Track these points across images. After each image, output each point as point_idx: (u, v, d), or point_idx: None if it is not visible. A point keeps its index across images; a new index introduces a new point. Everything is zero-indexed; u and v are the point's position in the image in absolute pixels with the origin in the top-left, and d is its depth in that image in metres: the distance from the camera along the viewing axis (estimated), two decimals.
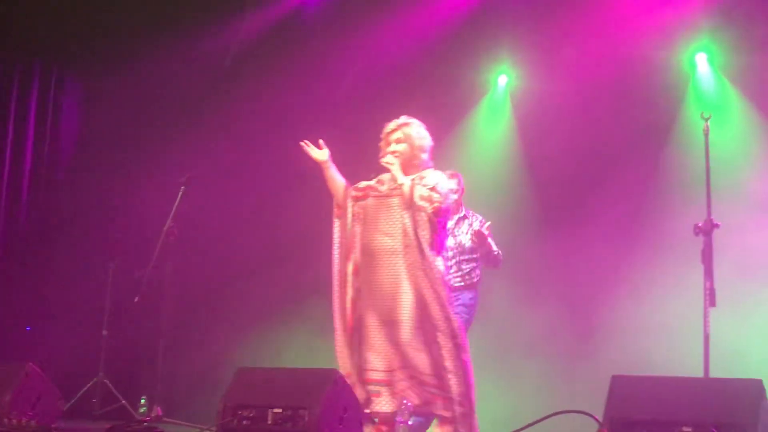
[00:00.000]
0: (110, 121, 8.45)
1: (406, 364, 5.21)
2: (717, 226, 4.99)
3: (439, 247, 5.33)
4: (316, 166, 5.52)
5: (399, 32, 7.95)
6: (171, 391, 7.19)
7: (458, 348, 5.15)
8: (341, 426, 4.43)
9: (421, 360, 5.18)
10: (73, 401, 7.04)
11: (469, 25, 7.88)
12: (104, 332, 7.43)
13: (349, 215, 5.50)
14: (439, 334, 5.14)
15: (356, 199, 5.51)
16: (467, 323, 6.22)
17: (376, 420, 5.18)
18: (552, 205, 7.79)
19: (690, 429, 3.88)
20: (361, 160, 5.79)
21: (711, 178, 5.16)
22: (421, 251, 5.21)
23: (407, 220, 5.26)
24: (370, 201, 5.47)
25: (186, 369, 7.79)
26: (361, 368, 5.26)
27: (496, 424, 5.93)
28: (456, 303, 6.15)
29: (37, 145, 8.23)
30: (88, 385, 7.27)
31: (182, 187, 6.67)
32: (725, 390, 4.06)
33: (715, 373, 4.84)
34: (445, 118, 8.22)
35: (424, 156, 5.48)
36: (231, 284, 8.22)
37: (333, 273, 5.46)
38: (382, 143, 5.51)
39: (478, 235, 6.14)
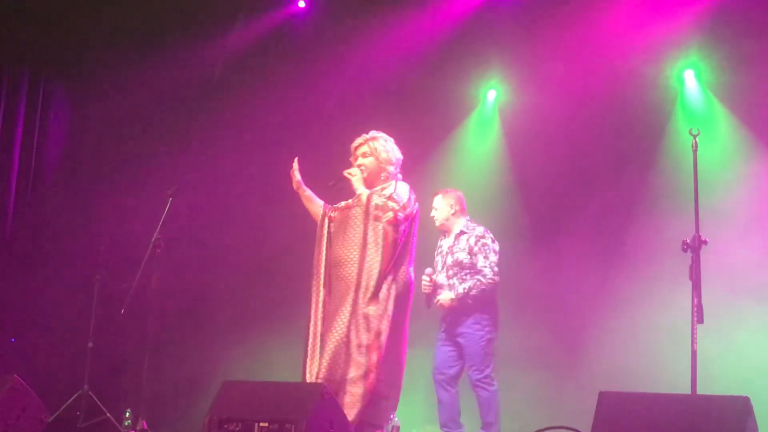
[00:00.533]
0: (98, 132, 8.43)
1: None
2: (705, 242, 4.99)
3: (398, 257, 5.38)
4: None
5: (388, 45, 7.96)
6: (156, 404, 7.16)
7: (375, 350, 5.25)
8: None
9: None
10: (57, 414, 6.97)
11: (459, 40, 7.90)
12: (90, 344, 7.36)
13: (325, 235, 5.57)
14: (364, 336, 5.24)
15: (331, 219, 5.60)
16: (488, 341, 6.21)
17: None
18: (540, 219, 7.81)
19: None
20: None
21: (699, 195, 5.17)
22: (378, 262, 5.28)
23: (364, 231, 5.35)
24: (338, 216, 5.56)
25: (171, 382, 7.75)
26: (314, 377, 5.29)
27: None
28: (469, 323, 6.19)
29: (23, 156, 8.18)
30: (73, 397, 7.20)
31: (170, 199, 6.64)
32: (712, 407, 4.05)
33: (702, 389, 4.83)
34: (434, 133, 8.26)
35: (391, 169, 5.60)
36: (217, 297, 8.20)
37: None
38: (351, 158, 5.64)
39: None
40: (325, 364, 5.24)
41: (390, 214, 5.37)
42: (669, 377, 6.24)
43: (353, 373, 5.21)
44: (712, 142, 7.18)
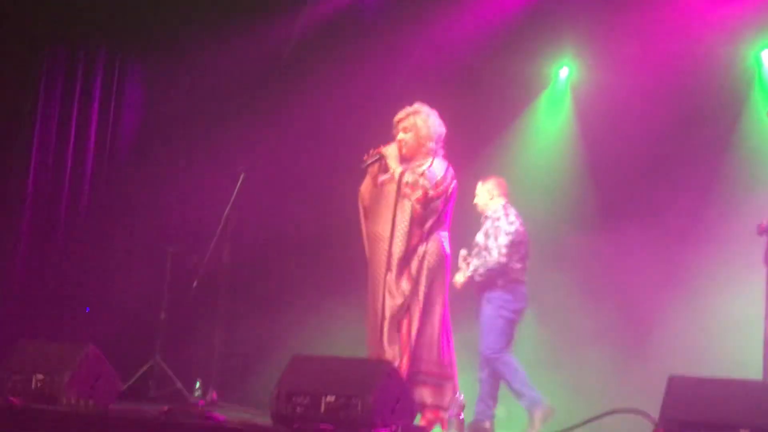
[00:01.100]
0: (171, 108, 8.55)
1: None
2: None
3: (429, 233, 5.39)
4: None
5: (457, 24, 7.88)
6: (226, 376, 7.29)
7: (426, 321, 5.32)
8: (393, 416, 4.43)
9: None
10: (130, 383, 7.15)
11: (531, 15, 7.72)
12: (162, 316, 7.53)
13: (362, 211, 5.70)
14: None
15: (367, 196, 5.69)
16: (500, 320, 6.33)
17: None
18: (612, 202, 7.68)
19: None
20: None
21: None
22: (403, 239, 5.33)
23: (395, 209, 5.38)
24: (373, 192, 5.60)
25: (241, 354, 7.87)
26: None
27: (550, 421, 5.92)
28: (482, 302, 6.45)
29: (100, 132, 8.36)
30: (145, 367, 7.37)
31: (241, 175, 6.73)
32: None
33: None
34: (503, 113, 8.18)
35: (431, 145, 5.52)
36: (287, 272, 8.28)
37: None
38: (393, 130, 5.60)
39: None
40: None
41: (419, 192, 5.35)
42: (739, 363, 6.14)
43: (389, 352, 5.25)
44: None
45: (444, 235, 5.50)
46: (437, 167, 5.45)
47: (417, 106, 5.59)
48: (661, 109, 7.44)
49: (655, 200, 7.40)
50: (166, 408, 4.84)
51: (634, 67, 7.49)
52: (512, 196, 6.83)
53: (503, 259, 6.39)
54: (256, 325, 7.87)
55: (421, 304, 5.37)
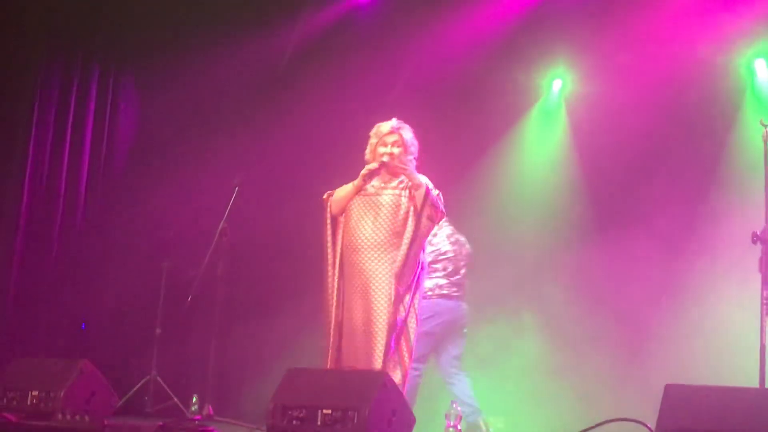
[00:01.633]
0: (166, 123, 8.55)
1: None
2: None
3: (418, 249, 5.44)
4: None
5: (451, 36, 7.92)
6: (222, 390, 7.27)
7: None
8: (390, 428, 4.43)
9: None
10: (125, 398, 7.13)
11: (524, 28, 7.79)
12: (157, 331, 7.51)
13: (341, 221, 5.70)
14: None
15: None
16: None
17: None
18: (606, 210, 7.71)
19: None
20: None
21: None
22: (412, 251, 5.33)
23: (416, 224, 5.36)
24: (356, 200, 5.57)
25: (237, 368, 7.85)
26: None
27: (545, 430, 5.90)
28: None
29: (94, 146, 8.34)
30: (141, 382, 7.35)
31: (236, 188, 6.73)
32: None
33: None
34: (496, 124, 8.20)
35: (412, 159, 5.61)
36: (282, 285, 8.27)
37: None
38: (374, 141, 5.62)
39: None
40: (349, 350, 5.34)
41: (440, 212, 5.44)
42: (736, 372, 6.14)
43: (380, 359, 5.23)
44: None
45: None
46: (435, 192, 5.49)
47: (398, 122, 5.64)
48: (655, 120, 7.47)
49: (649, 210, 7.41)
50: (161, 423, 4.82)
51: (627, 78, 7.52)
52: (506, 207, 6.83)
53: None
54: (251, 338, 7.86)
55: (416, 317, 5.41)
